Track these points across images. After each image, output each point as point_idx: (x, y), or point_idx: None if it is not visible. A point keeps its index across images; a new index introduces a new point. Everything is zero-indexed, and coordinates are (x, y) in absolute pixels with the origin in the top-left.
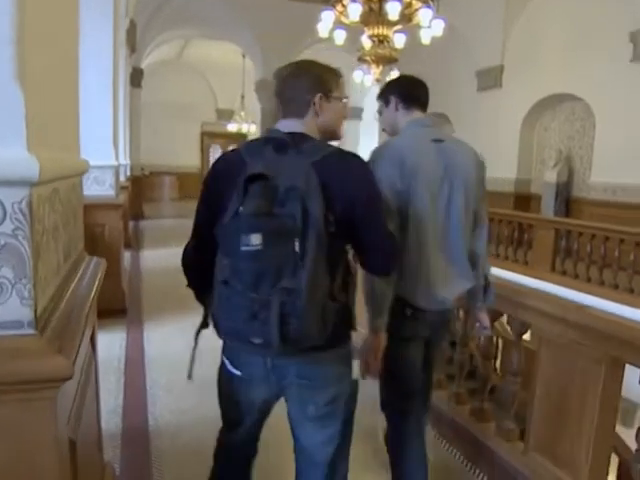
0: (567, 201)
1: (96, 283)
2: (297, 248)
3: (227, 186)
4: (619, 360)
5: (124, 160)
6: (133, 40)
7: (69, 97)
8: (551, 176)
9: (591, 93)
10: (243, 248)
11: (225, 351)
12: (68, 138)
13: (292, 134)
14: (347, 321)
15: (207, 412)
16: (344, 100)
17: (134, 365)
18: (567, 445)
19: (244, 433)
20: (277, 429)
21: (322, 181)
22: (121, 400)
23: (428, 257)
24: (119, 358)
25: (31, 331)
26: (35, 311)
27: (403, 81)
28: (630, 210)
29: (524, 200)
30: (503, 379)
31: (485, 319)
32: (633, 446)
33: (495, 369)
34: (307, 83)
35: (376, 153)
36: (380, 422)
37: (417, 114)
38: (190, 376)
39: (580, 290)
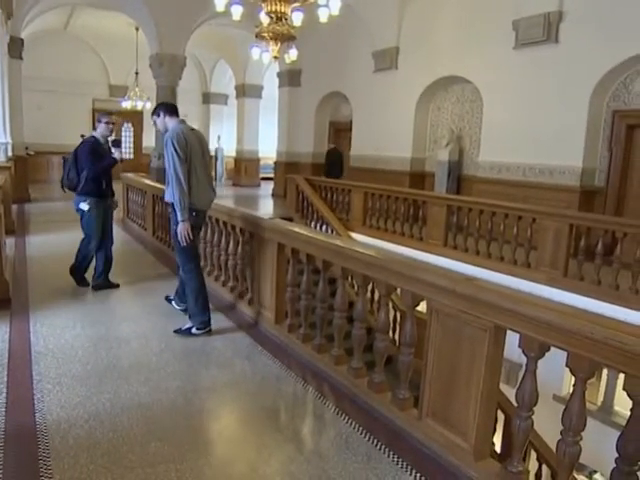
0: (458, 179)
1: None
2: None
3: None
4: (501, 327)
5: (3, 138)
6: (9, 5)
7: None
8: (443, 155)
9: (479, 77)
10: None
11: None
12: None
13: (91, 136)
14: (91, 189)
15: (99, 405)
16: (106, 124)
17: (18, 358)
18: (457, 408)
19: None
20: None
21: (76, 153)
22: (4, 397)
23: (199, 184)
24: (1, 352)
25: None
26: None
27: (166, 103)
28: (513, 187)
29: (419, 178)
30: (398, 350)
31: None
32: (515, 404)
33: (394, 341)
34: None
35: (172, 136)
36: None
37: (176, 118)
38: None
39: (470, 263)
